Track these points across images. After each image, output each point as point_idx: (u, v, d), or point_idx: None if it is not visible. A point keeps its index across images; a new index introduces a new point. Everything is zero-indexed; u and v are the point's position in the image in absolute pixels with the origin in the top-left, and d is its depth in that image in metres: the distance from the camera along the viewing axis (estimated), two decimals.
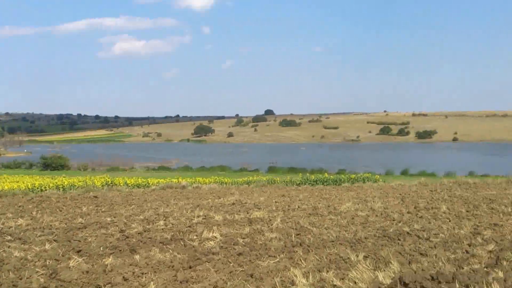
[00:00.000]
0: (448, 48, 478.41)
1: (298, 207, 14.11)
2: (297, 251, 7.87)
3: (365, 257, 7.29)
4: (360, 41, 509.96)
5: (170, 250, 8.13)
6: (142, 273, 6.64)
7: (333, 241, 8.66)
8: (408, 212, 12.52)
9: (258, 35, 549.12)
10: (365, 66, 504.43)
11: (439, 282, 5.03)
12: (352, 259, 7.14)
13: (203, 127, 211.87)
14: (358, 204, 14.60)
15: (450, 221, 11.00)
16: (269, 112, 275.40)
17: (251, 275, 6.46)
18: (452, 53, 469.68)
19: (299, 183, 24.76)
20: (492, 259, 6.66)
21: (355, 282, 5.81)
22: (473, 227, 10.06)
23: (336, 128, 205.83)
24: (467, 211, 12.56)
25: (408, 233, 9.34)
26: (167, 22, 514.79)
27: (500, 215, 11.76)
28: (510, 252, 7.06)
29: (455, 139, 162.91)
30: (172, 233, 9.66)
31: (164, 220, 11.56)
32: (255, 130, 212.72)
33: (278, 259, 7.36)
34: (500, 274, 5.32)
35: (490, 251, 7.42)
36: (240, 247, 8.29)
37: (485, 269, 5.84)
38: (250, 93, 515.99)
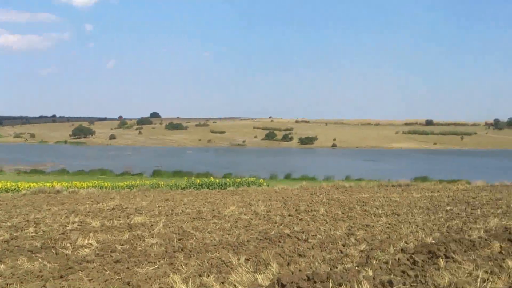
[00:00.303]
0: (327, 60, 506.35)
1: (182, 211, 13.89)
2: (178, 257, 7.71)
3: (247, 260, 7.35)
4: (247, 47, 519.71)
5: (40, 259, 7.53)
6: (7, 284, 6.09)
7: (215, 245, 8.62)
8: (289, 215, 12.90)
9: (144, 35, 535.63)
10: (253, 72, 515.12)
11: (315, 282, 5.17)
12: (234, 262, 7.15)
13: (82, 129, 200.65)
14: (242, 207, 14.75)
15: (327, 222, 11.52)
16: (155, 115, 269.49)
17: (128, 283, 6.19)
18: (331, 64, 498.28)
19: (184, 187, 24.47)
20: (363, 258, 7.04)
21: (235, 286, 5.79)
22: (348, 228, 10.63)
23: (223, 132, 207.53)
24: (343, 213, 13.27)
25: (288, 235, 9.59)
26: (45, 17, 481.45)
27: (371, 217, 12.58)
28: (379, 251, 7.53)
29: (334, 146, 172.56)
30: (43, 241, 8.96)
31: (35, 227, 10.70)
32: (140, 132, 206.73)
33: (157, 266, 7.14)
34: (370, 272, 5.62)
35: (362, 251, 7.85)
36: (117, 254, 7.94)
37: (356, 268, 6.12)
38: (135, 94, 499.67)
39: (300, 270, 6.19)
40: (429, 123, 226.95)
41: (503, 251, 6.85)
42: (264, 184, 27.29)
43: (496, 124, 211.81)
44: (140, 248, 8.40)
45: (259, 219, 12.21)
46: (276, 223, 11.46)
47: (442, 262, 6.02)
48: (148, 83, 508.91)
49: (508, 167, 74.26)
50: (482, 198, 17.27)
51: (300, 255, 7.73)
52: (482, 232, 9.00)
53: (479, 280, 4.91)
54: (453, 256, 6.41)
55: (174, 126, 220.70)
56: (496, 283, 4.85)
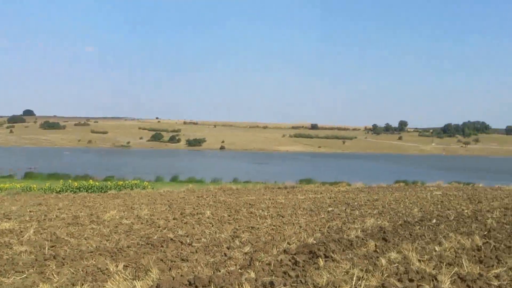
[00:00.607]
0: (215, 61, 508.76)
1: (57, 216, 13.05)
2: (49, 265, 7.29)
3: (126, 267, 7.11)
4: (132, 45, 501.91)
5: None
6: None
7: (92, 252, 8.21)
8: (174, 219, 12.64)
9: (18, 26, 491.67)
10: (140, 71, 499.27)
11: (196, 287, 5.02)
12: (111, 269, 6.86)
13: None
14: (124, 212, 14.19)
15: (213, 225, 11.43)
16: (28, 113, 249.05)
17: None
18: (220, 66, 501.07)
19: (59, 191, 22.95)
20: (247, 261, 7.02)
21: None
22: (233, 230, 10.63)
23: (105, 133, 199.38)
24: (229, 216, 13.26)
25: (172, 239, 9.37)
26: None
27: (257, 219, 12.71)
28: (263, 253, 7.56)
29: (222, 148, 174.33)
30: None
31: None
32: (11, 131, 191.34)
33: (26, 275, 6.73)
34: (252, 274, 5.59)
35: (246, 253, 7.85)
36: None
37: (239, 270, 6.08)
38: (6, 90, 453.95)
39: (181, 275, 5.99)
40: (314, 127, 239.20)
41: (377, 250, 7.24)
42: (149, 187, 26.55)
43: (374, 129, 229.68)
44: (7, 257, 7.85)
45: (142, 223, 11.82)
46: (159, 227, 11.16)
47: (321, 262, 6.18)
48: (21, 78, 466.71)
49: (384, 169, 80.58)
50: (360, 199, 18.29)
51: (183, 259, 7.56)
52: (359, 231, 9.47)
53: (354, 278, 5.08)
54: (332, 255, 6.61)
55: (50, 125, 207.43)
56: (370, 281, 5.05)
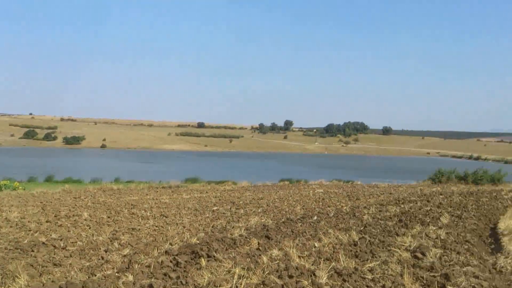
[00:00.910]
0: (97, 56, 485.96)
1: None
2: None
3: None
4: (3, 36, 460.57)
5: None
6: None
7: None
8: (47, 221, 11.84)
9: None
10: (11, 62, 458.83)
11: None
12: None
13: None
14: None
15: (90, 228, 10.91)
16: None
17: None
18: (101, 60, 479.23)
19: None
20: (125, 264, 6.77)
21: None
22: (112, 232, 10.22)
23: None
24: (109, 217, 12.73)
25: (44, 243, 8.76)
26: None
27: (139, 220, 12.34)
28: (143, 255, 7.34)
29: (103, 146, 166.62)
30: None
31: None
32: None
33: None
34: (130, 277, 5.37)
35: (125, 256, 7.57)
36: None
37: (116, 274, 5.83)
38: None
39: (53, 281, 5.59)
40: (201, 125, 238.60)
41: (260, 248, 7.36)
42: (20, 187, 24.61)
43: (261, 129, 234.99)
44: None
45: (11, 226, 10.93)
46: (30, 230, 10.40)
47: (204, 262, 6.12)
48: None
49: (270, 168, 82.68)
50: (246, 198, 18.54)
51: (55, 264, 7.09)
52: (243, 230, 9.56)
53: (235, 277, 5.09)
54: (215, 255, 6.59)
55: None
56: (251, 279, 5.10)
